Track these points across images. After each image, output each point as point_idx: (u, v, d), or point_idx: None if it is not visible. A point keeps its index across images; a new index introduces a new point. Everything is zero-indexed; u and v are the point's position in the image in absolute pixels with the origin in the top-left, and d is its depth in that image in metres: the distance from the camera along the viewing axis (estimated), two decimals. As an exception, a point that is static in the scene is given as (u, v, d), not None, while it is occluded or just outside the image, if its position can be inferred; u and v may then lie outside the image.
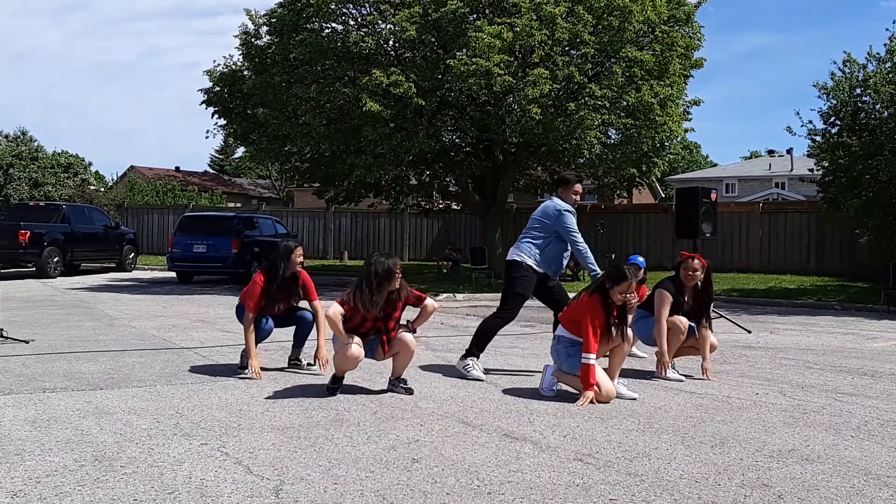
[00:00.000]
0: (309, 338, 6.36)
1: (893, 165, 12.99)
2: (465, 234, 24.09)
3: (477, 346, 6.19)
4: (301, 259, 6.27)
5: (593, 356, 5.17)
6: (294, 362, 6.40)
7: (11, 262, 16.76)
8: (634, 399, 5.35)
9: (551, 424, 4.60)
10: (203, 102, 17.98)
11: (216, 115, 18.23)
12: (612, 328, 5.39)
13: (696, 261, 6.21)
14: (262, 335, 6.19)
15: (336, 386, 5.34)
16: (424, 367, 6.44)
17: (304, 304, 6.40)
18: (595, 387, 5.14)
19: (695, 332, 6.20)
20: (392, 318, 5.35)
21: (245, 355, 6.10)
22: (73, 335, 8.09)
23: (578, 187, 6.39)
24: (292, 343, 6.45)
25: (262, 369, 6.04)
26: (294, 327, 6.41)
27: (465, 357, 6.14)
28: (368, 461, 3.79)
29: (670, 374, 6.06)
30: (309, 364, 6.34)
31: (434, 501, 3.26)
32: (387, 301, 5.30)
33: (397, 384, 5.46)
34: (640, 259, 7.62)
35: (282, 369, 6.25)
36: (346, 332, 5.20)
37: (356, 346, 5.18)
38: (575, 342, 5.36)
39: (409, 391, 5.40)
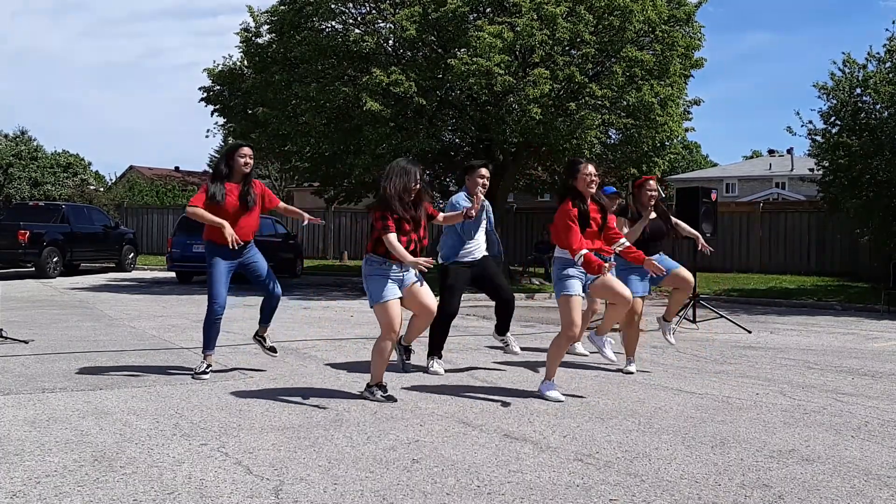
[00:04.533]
0: (307, 336, 6.33)
1: (893, 165, 12.99)
2: (466, 233, 24.02)
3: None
4: (247, 160, 5.72)
5: (584, 251, 5.04)
6: (258, 338, 6.12)
7: (11, 262, 16.76)
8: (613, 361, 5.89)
9: (551, 424, 4.60)
10: (202, 100, 18.00)
11: (216, 114, 18.26)
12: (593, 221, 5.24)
13: (653, 181, 6.37)
14: (214, 312, 5.78)
15: (386, 392, 5.14)
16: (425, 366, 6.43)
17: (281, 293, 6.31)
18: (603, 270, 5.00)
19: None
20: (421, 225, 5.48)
21: (203, 363, 5.87)
22: (72, 335, 8.08)
23: (483, 171, 6.16)
24: (259, 318, 6.09)
25: (261, 370, 6.02)
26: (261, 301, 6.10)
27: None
28: (368, 461, 3.79)
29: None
30: (272, 348, 6.12)
31: (434, 501, 3.26)
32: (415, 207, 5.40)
33: (403, 353, 5.59)
34: (613, 189, 7.25)
35: (280, 367, 6.24)
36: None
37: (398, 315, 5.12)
38: (566, 261, 5.20)
39: (406, 367, 5.60)
